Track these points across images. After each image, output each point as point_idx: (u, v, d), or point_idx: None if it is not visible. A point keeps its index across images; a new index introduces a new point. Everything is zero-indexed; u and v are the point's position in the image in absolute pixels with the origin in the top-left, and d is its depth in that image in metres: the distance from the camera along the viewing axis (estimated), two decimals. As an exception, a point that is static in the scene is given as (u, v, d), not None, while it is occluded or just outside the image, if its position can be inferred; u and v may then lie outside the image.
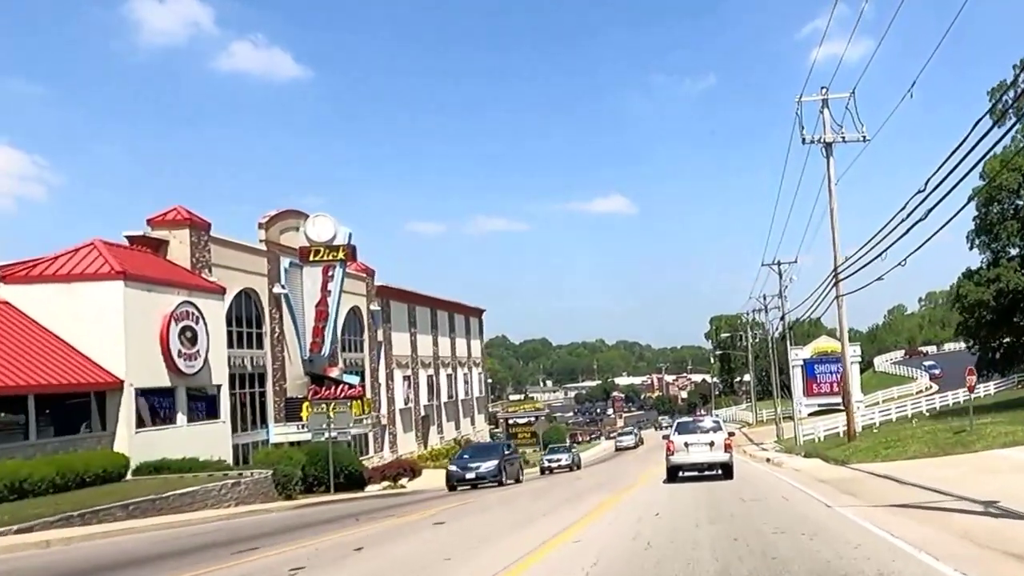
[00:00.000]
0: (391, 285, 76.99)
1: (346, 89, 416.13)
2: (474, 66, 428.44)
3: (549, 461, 65.73)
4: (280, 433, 53.30)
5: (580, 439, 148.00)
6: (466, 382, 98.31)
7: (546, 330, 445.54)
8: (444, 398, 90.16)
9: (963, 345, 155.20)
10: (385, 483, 53.11)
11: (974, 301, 63.10)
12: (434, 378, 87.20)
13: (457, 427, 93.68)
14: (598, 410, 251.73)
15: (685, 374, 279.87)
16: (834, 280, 43.62)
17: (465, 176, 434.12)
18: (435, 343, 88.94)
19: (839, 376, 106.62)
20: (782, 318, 68.03)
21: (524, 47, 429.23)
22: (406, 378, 78.80)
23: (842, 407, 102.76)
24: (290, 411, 54.63)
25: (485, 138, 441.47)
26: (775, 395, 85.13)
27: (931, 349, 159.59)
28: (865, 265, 35.68)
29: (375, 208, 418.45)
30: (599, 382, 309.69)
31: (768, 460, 48.68)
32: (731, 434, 37.46)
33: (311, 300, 58.46)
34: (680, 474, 32.06)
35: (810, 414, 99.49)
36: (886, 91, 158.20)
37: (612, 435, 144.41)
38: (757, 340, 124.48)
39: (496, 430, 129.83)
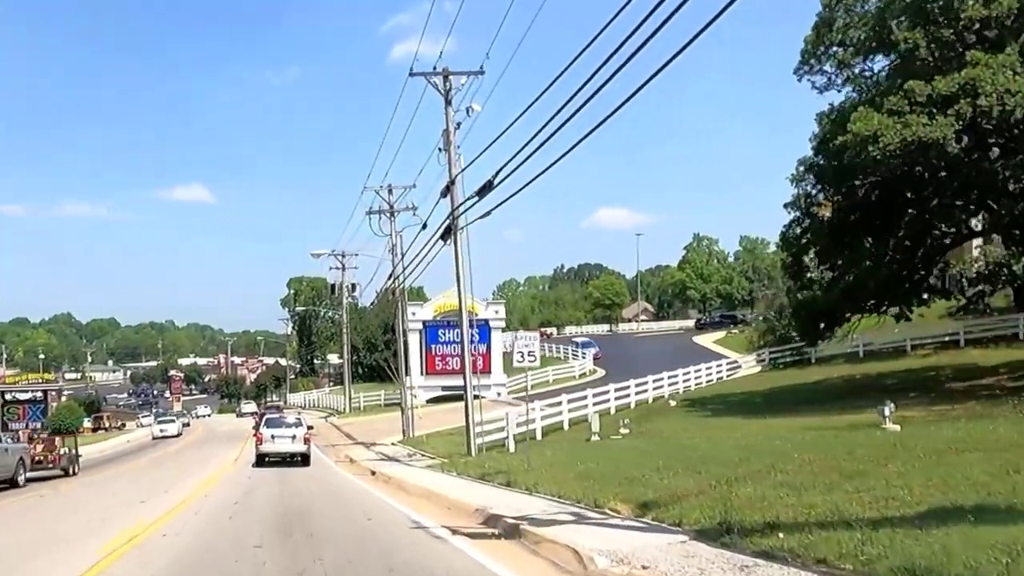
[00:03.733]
0: None
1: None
2: (63, 62, 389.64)
3: None
4: None
5: (108, 424, 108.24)
6: None
7: (118, 312, 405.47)
8: None
9: (594, 329, 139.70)
10: None
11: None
12: None
13: None
14: (155, 392, 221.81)
15: (258, 357, 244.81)
16: None
17: (51, 157, 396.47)
18: None
19: (477, 346, 73.30)
20: (449, 198, 31.74)
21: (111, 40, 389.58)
22: None
23: (477, 393, 70.36)
24: None
25: (71, 122, 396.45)
26: (400, 368, 49.82)
27: (551, 331, 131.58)
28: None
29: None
30: (160, 362, 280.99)
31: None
32: (310, 427, 38.80)
33: None
34: (267, 460, 34.41)
35: (429, 401, 66.75)
36: None
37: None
38: (359, 297, 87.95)
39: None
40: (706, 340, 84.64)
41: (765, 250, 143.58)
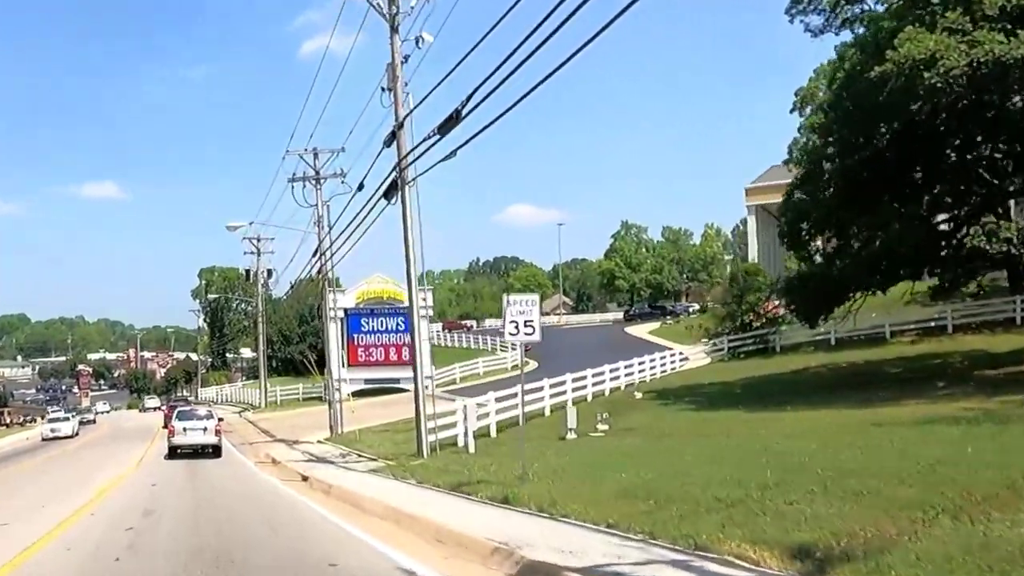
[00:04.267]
0: None
1: None
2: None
3: None
4: None
5: (10, 420, 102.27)
6: None
7: (28, 307, 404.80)
8: None
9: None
10: None
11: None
12: None
13: None
14: (64, 387, 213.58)
15: (168, 352, 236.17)
16: None
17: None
18: None
19: (402, 336, 67.48)
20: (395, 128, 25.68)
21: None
22: None
23: (401, 386, 64.22)
24: None
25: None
26: (328, 358, 45.55)
27: (471, 323, 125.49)
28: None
29: None
30: (69, 357, 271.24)
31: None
32: (221, 419, 38.87)
33: None
34: (179, 451, 34.38)
35: (352, 394, 59.97)
36: None
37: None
38: (273, 288, 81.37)
39: None
40: (640, 331, 79.47)
41: (688, 241, 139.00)
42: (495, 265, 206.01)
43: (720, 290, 54.54)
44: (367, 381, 65.30)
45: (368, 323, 67.06)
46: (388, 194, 26.18)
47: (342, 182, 40.18)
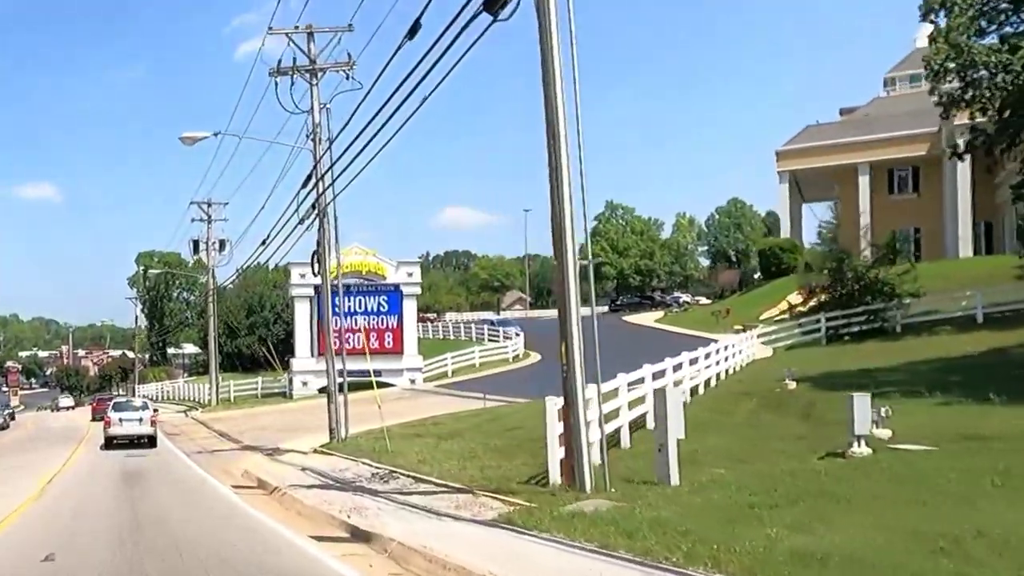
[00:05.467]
0: None
1: None
2: None
3: None
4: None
5: None
6: None
7: None
8: None
9: (475, 315, 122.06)
10: None
11: None
12: None
13: None
14: None
15: (103, 348, 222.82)
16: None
17: None
18: None
19: (385, 319, 55.05)
20: None
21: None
22: None
23: (384, 379, 49.93)
24: None
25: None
26: (328, 336, 34.11)
27: (433, 316, 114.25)
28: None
29: None
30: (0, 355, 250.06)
31: None
32: (156, 410, 39.57)
33: None
34: (115, 442, 33.85)
35: (320, 389, 48.68)
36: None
37: None
38: (222, 264, 68.35)
39: None
40: (643, 320, 68.39)
41: (659, 231, 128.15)
42: (447, 259, 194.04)
43: (817, 255, 42.84)
44: (342, 373, 53.04)
45: (345, 303, 54.48)
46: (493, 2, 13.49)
47: (348, 77, 27.35)
